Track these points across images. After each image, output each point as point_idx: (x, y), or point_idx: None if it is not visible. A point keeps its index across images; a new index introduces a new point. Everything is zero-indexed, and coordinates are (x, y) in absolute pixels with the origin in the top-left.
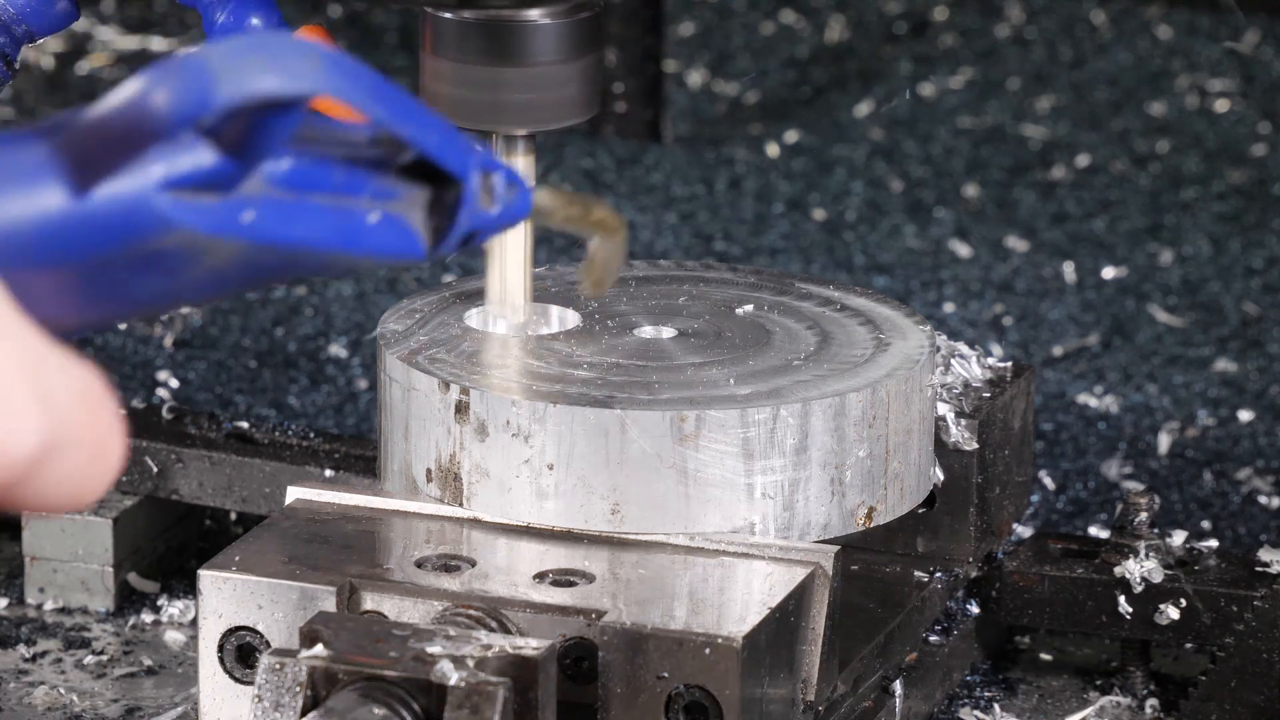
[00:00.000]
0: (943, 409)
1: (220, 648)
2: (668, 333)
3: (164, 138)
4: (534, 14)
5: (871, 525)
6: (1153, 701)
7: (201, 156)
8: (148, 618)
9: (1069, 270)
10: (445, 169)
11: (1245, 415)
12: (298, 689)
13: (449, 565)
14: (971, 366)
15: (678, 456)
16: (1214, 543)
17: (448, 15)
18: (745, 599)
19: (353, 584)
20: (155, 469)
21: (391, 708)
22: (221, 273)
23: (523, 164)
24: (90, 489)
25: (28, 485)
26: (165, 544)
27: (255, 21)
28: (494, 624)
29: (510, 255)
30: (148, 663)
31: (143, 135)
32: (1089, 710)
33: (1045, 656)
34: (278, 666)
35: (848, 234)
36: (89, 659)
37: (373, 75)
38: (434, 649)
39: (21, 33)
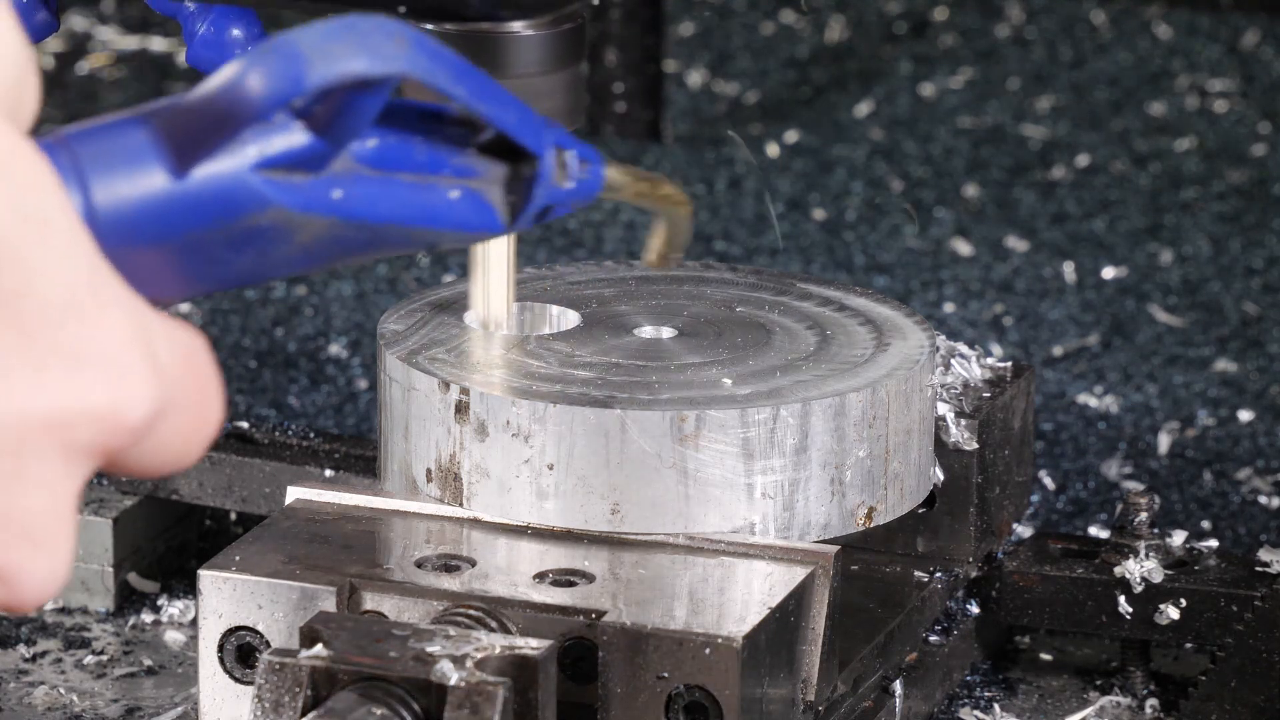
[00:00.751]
0: (943, 409)
1: (220, 648)
2: (668, 333)
3: (259, 119)
4: (517, 25)
5: (871, 525)
6: (1153, 701)
7: (294, 137)
8: (148, 618)
9: (1069, 270)
10: (522, 146)
11: (1245, 415)
12: (298, 689)
13: (449, 565)
14: (971, 366)
15: (678, 456)
16: (1214, 543)
17: (429, 26)
18: (745, 599)
19: (353, 584)
20: None
21: (391, 708)
22: (310, 248)
23: None
24: (192, 451)
25: (136, 449)
26: (165, 544)
27: (236, 33)
28: (494, 624)
29: (493, 268)
30: (148, 663)
31: (239, 117)
32: (1089, 710)
33: (1045, 656)
34: (278, 666)
35: (848, 234)
36: (89, 659)
37: (453, 56)
38: (434, 649)
39: None
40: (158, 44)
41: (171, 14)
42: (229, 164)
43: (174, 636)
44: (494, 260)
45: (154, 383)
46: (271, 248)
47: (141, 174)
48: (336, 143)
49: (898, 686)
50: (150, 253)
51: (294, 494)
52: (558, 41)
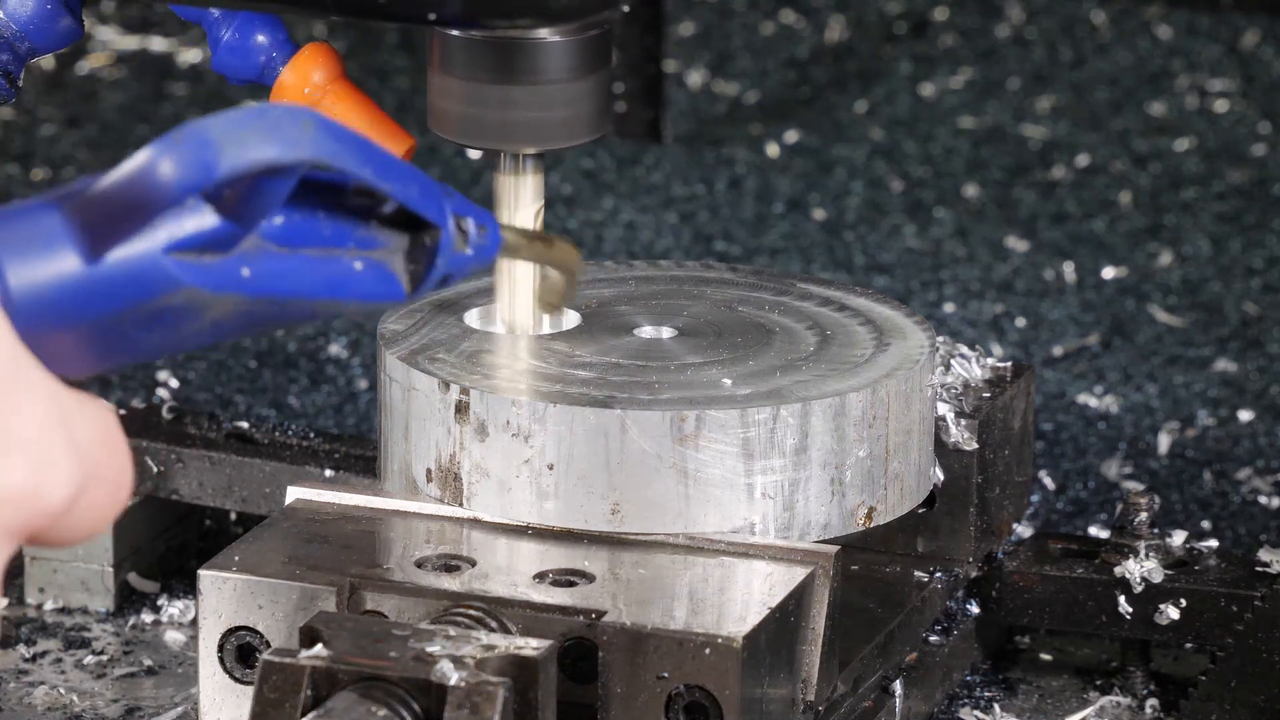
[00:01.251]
0: (943, 409)
1: (220, 648)
2: (668, 333)
3: (170, 206)
4: (543, 31)
5: (871, 525)
6: (1153, 701)
7: (205, 220)
8: (148, 618)
9: (1069, 270)
10: (425, 218)
11: (1245, 415)
12: (298, 689)
13: (449, 565)
14: (971, 366)
15: (678, 456)
16: (1214, 543)
17: (456, 33)
18: (745, 599)
19: (353, 584)
20: (155, 469)
21: (391, 708)
22: (220, 323)
23: (531, 182)
24: (106, 521)
25: (56, 525)
26: (165, 544)
27: (260, 39)
28: (494, 624)
29: (519, 277)
30: (148, 663)
31: (151, 204)
32: (1089, 710)
33: (1045, 656)
34: (278, 666)
35: (848, 234)
36: (89, 659)
37: (358, 139)
38: (434, 649)
39: (25, 50)
40: (158, 44)
41: (196, 20)
42: (141, 247)
43: (174, 636)
44: (520, 266)
45: (74, 465)
46: (183, 325)
47: (56, 258)
48: (246, 225)
49: (898, 686)
50: (65, 333)
51: (294, 494)
52: (582, 48)
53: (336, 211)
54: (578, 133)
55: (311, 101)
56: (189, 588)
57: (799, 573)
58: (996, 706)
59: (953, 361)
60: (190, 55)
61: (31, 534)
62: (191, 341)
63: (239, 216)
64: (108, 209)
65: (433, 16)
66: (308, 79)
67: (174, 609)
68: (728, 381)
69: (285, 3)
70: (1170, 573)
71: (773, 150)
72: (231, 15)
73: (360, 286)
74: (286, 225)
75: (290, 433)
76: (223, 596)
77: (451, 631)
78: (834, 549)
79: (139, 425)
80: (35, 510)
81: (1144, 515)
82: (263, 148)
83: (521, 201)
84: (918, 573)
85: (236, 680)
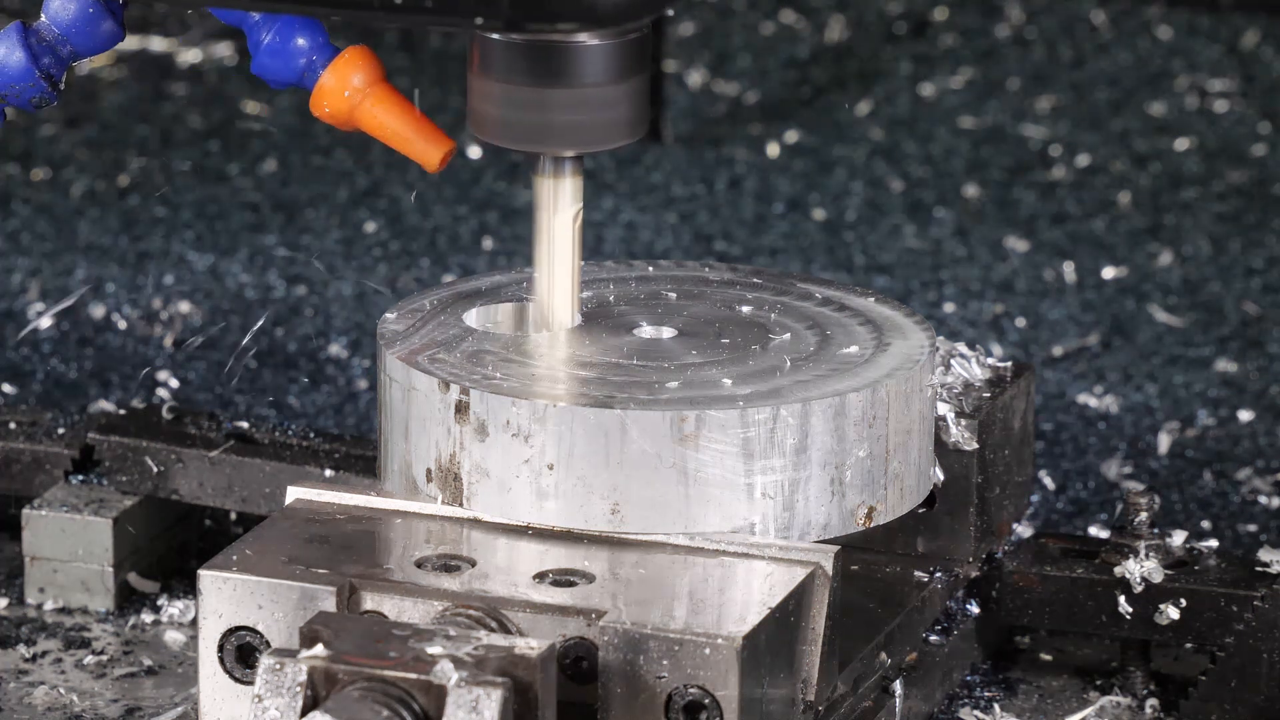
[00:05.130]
0: (943, 409)
1: (220, 648)
2: (668, 333)
3: None
4: (582, 35)
5: (871, 525)
6: (1153, 701)
7: None
8: (148, 618)
9: (1069, 270)
10: None
11: (1245, 415)
12: (298, 689)
13: (449, 565)
14: (971, 366)
15: (678, 456)
16: (1214, 543)
17: (496, 36)
18: (745, 599)
19: (353, 584)
20: (155, 469)
21: (391, 708)
22: None
23: (570, 185)
24: None
25: None
26: (165, 544)
27: (300, 42)
28: (494, 624)
29: (559, 266)
30: (148, 663)
31: None
32: (1089, 710)
33: (1045, 656)
34: (278, 666)
35: (848, 234)
36: (89, 659)
37: None
38: (434, 649)
39: (67, 53)
40: (157, 44)
41: (236, 24)
42: None
43: (174, 636)
44: (559, 256)
45: None
46: None
47: None
48: None
49: (898, 686)
50: None
51: (294, 494)
52: (621, 52)
53: None
54: (616, 136)
55: (351, 104)
56: (189, 588)
57: (799, 573)
58: (996, 706)
59: (953, 361)
60: (190, 56)
61: None
62: None
63: None
64: None
65: (479, 21)
66: (347, 82)
67: (174, 609)
68: (728, 381)
69: (327, 5)
70: (1170, 573)
71: (773, 150)
72: (272, 18)
73: None
74: None
75: (290, 433)
76: (223, 596)
77: (451, 631)
78: (834, 549)
79: (139, 425)
80: None
81: (1144, 515)
82: None
83: (560, 204)
84: (918, 573)
85: (236, 680)
